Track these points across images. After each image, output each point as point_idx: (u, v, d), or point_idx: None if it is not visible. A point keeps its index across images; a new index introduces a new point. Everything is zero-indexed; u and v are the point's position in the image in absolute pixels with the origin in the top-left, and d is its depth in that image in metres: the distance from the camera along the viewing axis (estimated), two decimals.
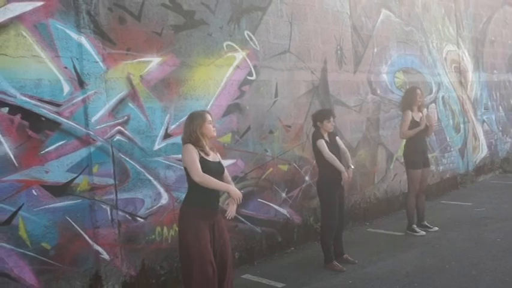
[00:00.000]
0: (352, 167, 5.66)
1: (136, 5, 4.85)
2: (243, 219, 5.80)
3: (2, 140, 3.99)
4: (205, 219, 3.99)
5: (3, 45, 3.99)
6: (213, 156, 4.11)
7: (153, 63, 4.97)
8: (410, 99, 6.60)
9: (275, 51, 6.22)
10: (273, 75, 6.18)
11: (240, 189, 5.71)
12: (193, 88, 5.32)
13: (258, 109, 6.01)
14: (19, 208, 4.09)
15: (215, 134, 4.14)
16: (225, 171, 4.23)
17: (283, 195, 6.30)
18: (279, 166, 6.24)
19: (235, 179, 5.70)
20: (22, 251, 4.11)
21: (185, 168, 4.02)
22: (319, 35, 6.84)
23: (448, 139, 9.56)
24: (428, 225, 6.79)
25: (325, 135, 5.58)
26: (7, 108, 4.02)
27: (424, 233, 6.60)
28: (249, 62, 5.90)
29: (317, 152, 5.54)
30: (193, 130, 4.00)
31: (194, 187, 4.00)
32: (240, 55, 5.79)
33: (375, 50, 7.85)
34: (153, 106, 4.96)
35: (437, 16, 9.51)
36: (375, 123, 7.83)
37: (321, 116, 5.61)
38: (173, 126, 5.11)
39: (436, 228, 6.74)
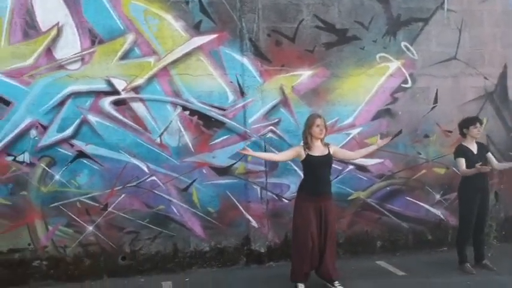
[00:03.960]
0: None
1: (291, 29, 6.04)
2: (387, 213, 6.43)
3: (184, 133, 5.82)
4: (310, 202, 4.95)
5: (187, 67, 5.77)
6: (321, 151, 4.99)
7: (304, 75, 6.09)
8: None
9: (437, 59, 6.48)
10: (433, 82, 6.48)
11: (386, 186, 6.42)
12: (341, 95, 6.20)
13: (413, 114, 6.44)
14: (193, 181, 5.88)
15: (321, 136, 4.97)
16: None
17: (438, 196, 6.58)
18: (433, 169, 6.55)
19: (381, 177, 6.38)
20: (194, 210, 5.92)
21: (302, 162, 5.07)
22: (498, 40, 6.67)
23: None
24: None
25: (472, 146, 5.65)
26: (188, 112, 5.82)
27: None
28: (404, 71, 6.37)
29: None
30: (304, 130, 5.06)
31: (304, 177, 5.10)
32: (394, 65, 6.33)
33: None
34: (302, 111, 6.06)
35: None
36: None
37: (467, 123, 5.70)
38: None
39: None
